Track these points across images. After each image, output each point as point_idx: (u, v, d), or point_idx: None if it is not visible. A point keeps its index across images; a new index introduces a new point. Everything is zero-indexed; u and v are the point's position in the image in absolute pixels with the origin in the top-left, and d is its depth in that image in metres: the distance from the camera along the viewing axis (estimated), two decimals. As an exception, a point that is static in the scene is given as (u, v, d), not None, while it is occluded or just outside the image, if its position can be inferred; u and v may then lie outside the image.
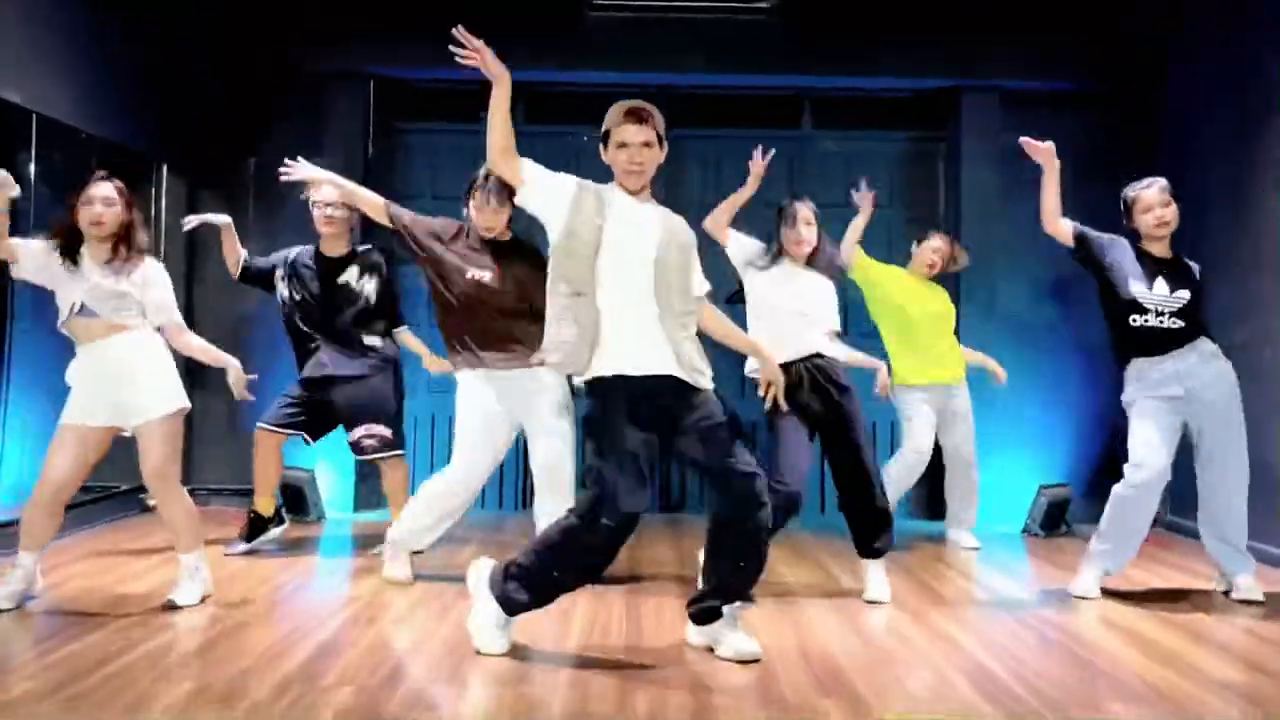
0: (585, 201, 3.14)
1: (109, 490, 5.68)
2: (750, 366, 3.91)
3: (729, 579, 3.23)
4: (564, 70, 6.07)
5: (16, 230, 5.43)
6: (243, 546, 4.73)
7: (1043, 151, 4.10)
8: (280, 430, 4.73)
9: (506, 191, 3.89)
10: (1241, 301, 5.16)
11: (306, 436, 4.84)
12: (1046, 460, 5.92)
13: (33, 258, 3.69)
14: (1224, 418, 4.03)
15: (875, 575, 4.00)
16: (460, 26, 3.09)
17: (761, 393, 3.40)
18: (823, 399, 3.98)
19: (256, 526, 4.78)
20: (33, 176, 5.07)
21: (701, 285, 3.31)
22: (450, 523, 4.16)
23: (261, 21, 6.01)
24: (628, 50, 6.01)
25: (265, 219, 6.02)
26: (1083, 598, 4.08)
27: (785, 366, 3.81)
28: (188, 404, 3.81)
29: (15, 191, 3.62)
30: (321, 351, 4.70)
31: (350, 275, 4.73)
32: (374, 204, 4.21)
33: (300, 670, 2.99)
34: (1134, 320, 4.05)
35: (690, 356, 3.12)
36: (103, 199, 3.65)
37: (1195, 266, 4.19)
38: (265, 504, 4.79)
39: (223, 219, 4.71)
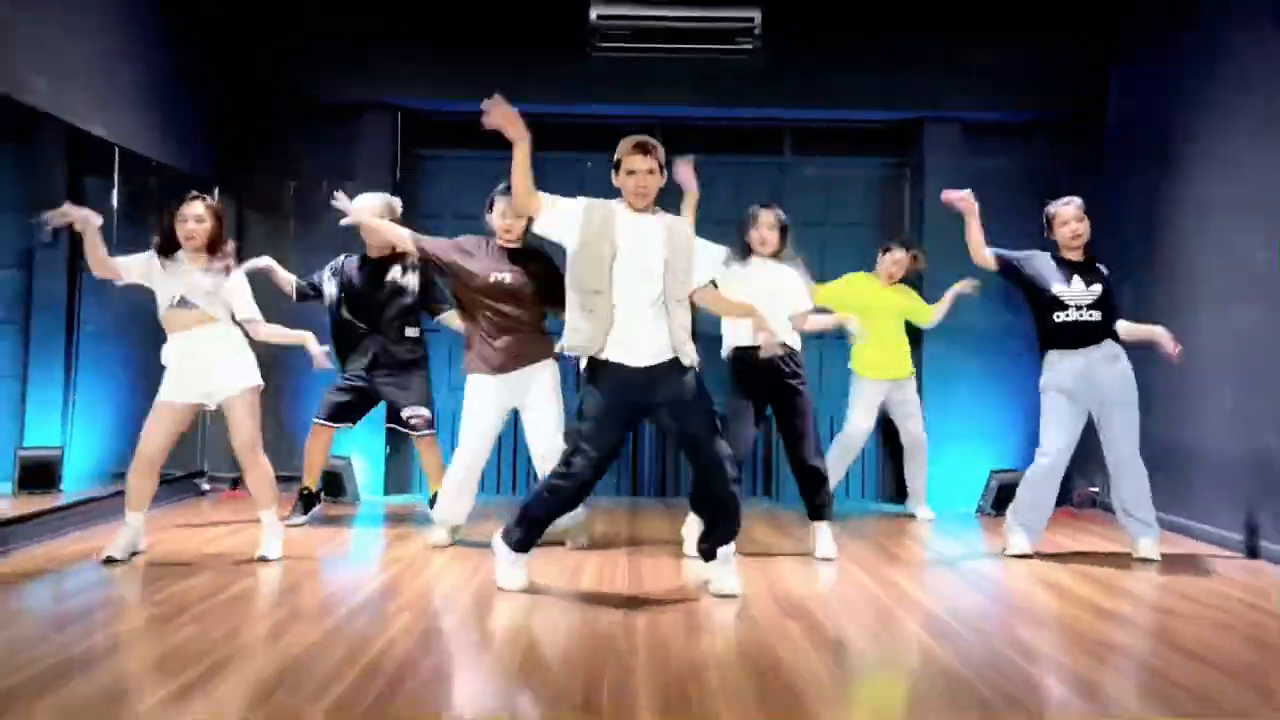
0: (594, 216, 3.86)
1: (164, 477, 6.34)
2: (726, 348, 4.76)
3: (710, 531, 3.98)
4: (569, 103, 6.74)
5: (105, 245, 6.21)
6: (302, 518, 5.47)
7: (960, 201, 4.89)
8: (333, 424, 5.50)
9: None
10: (1161, 304, 5.88)
11: (350, 424, 5.58)
12: (999, 448, 6.62)
13: (134, 269, 4.46)
14: (1122, 409, 4.77)
15: (822, 535, 4.73)
16: (498, 94, 3.78)
17: (761, 344, 4.09)
18: (779, 386, 4.69)
19: (310, 501, 5.52)
20: (115, 200, 5.79)
21: (703, 276, 4.02)
22: (470, 496, 4.89)
23: (300, 56, 6.68)
24: (627, 85, 6.68)
25: (304, 235, 6.70)
26: (1017, 555, 4.80)
27: (748, 350, 4.53)
28: (262, 382, 4.54)
29: (99, 220, 4.34)
30: (369, 342, 5.44)
31: (395, 273, 5.48)
32: (401, 238, 4.94)
33: (365, 602, 3.70)
34: (1057, 317, 4.80)
35: (680, 339, 3.85)
36: (194, 216, 4.42)
37: (1103, 268, 4.94)
38: (313, 480, 5.55)
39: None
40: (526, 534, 3.95)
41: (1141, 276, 6.11)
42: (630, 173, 3.86)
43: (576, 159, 6.86)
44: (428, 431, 5.47)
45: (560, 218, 3.89)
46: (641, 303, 3.81)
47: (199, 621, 3.38)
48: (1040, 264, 4.91)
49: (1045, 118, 6.83)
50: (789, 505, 6.23)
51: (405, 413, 5.45)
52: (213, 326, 4.44)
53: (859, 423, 6.06)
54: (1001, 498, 6.26)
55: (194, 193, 4.54)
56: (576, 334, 3.86)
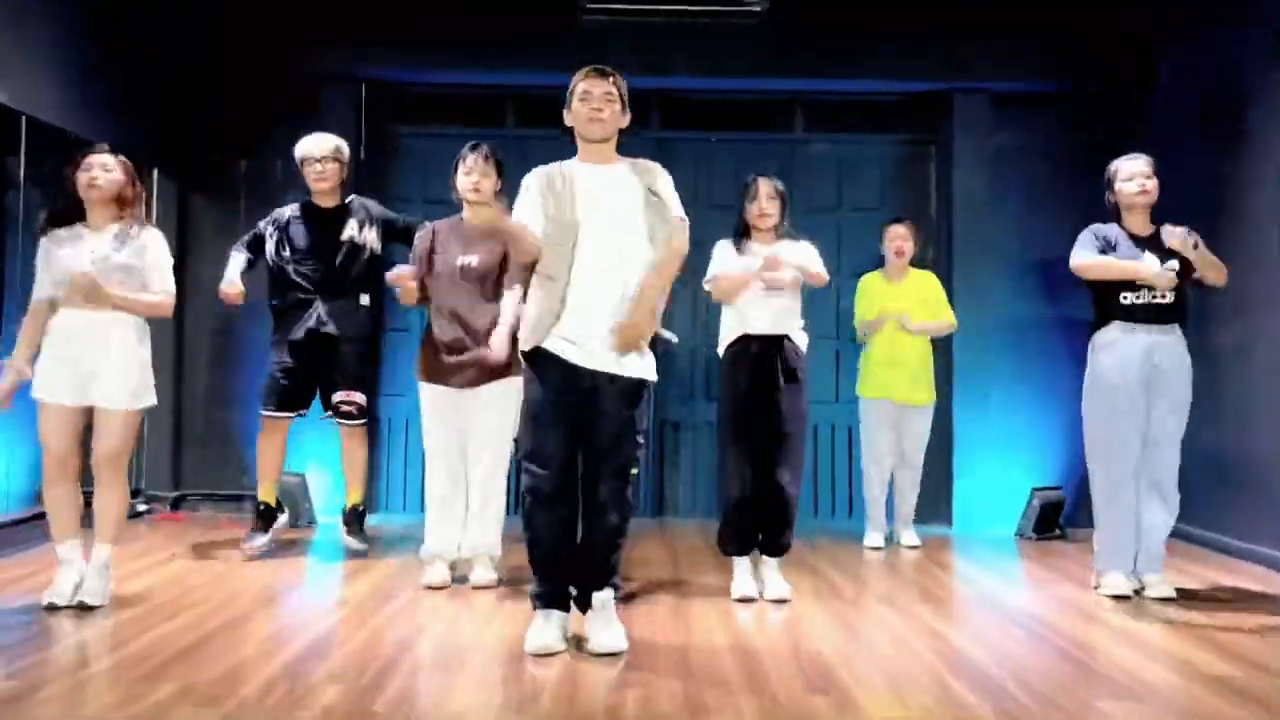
0: (553, 188, 3.23)
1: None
2: (722, 343, 4.12)
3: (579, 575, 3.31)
4: (556, 74, 6.01)
5: (6, 233, 5.49)
6: (263, 539, 4.70)
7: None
8: (285, 415, 4.72)
9: (495, 159, 4.18)
10: (1219, 294, 5.16)
11: (302, 411, 4.82)
12: (1039, 462, 5.90)
13: (44, 285, 3.68)
14: (1175, 405, 4.08)
15: (771, 573, 4.05)
16: None
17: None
18: (770, 386, 3.99)
19: (268, 517, 4.76)
20: (22, 179, 5.07)
21: (668, 222, 3.27)
22: (455, 518, 4.17)
23: (253, 24, 5.99)
24: (620, 54, 5.96)
25: (256, 220, 5.99)
26: (1114, 596, 4.08)
27: (752, 339, 4.01)
28: (155, 402, 3.80)
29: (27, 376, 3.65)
30: (319, 308, 4.68)
31: (351, 229, 4.75)
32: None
33: (287, 669, 2.96)
34: (1124, 298, 4.08)
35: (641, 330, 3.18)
36: (100, 164, 3.68)
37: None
38: (269, 492, 4.78)
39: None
40: (540, 584, 3.26)
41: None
42: (584, 97, 3.30)
43: (562, 136, 6.12)
44: (358, 421, 4.72)
45: (533, 212, 3.25)
46: (597, 282, 3.15)
47: (62, 700, 2.64)
48: (1112, 238, 4.17)
49: (1084, 89, 6.14)
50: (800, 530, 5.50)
51: (336, 396, 4.70)
52: (113, 314, 3.65)
53: (875, 451, 5.37)
54: (1044, 519, 5.56)
55: (104, 145, 3.79)
56: (526, 323, 3.23)
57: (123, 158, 3.78)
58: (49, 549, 3.80)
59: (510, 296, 4.00)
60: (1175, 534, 5.35)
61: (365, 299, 4.79)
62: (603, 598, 3.25)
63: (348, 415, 4.71)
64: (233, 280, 4.64)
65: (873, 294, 5.43)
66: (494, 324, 4.01)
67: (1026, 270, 6.11)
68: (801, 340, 4.12)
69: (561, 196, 3.21)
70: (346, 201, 4.85)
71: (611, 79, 3.33)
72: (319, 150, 4.75)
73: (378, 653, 3.17)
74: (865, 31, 6.01)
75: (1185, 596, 4.13)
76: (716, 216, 6.00)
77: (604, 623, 3.22)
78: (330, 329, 4.66)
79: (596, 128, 3.28)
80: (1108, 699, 2.85)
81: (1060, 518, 5.64)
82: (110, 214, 3.71)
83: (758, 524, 4.02)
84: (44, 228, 3.73)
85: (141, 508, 5.78)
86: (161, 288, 3.77)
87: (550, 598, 3.23)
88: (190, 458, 6.05)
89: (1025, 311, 6.11)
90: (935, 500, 5.88)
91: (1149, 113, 6.06)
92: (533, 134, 6.15)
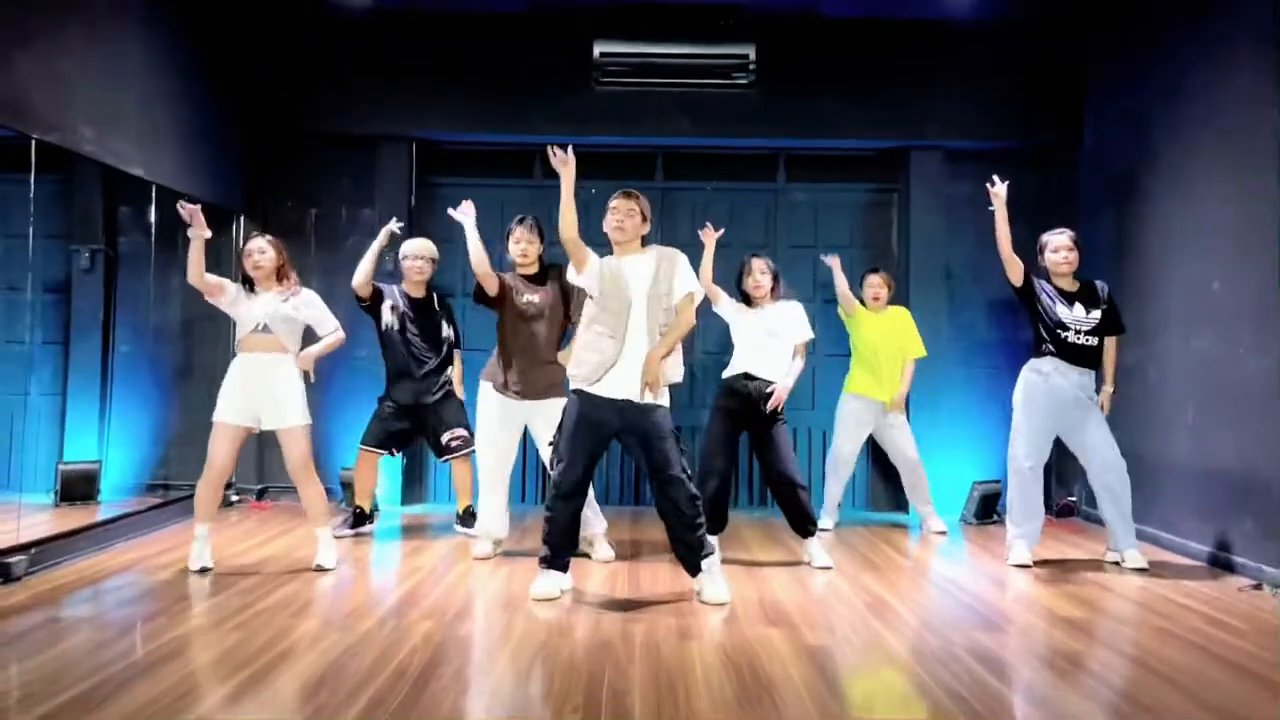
0: (607, 271, 4.40)
1: (191, 489, 6.72)
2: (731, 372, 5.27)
3: (681, 551, 4.43)
4: (573, 134, 7.08)
5: (120, 273, 6.61)
6: (349, 531, 5.91)
7: (997, 197, 5.16)
8: (378, 451, 5.96)
9: (539, 228, 5.32)
10: (1130, 328, 6.24)
11: (394, 450, 6.07)
12: (981, 458, 6.99)
13: (228, 291, 4.94)
14: (1097, 419, 5.23)
15: (815, 548, 5.17)
16: (570, 148, 4.41)
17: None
18: (758, 420, 5.17)
19: (360, 519, 5.99)
20: (153, 230, 6.20)
21: (683, 289, 4.40)
22: (498, 504, 5.29)
23: (320, 93, 7.08)
24: (628, 117, 7.07)
25: (324, 259, 7.10)
26: (1020, 565, 5.21)
27: (748, 378, 5.17)
28: (310, 420, 5.00)
29: (208, 235, 4.88)
30: (418, 381, 5.87)
31: (448, 331, 6.01)
32: (483, 260, 5.19)
33: (391, 611, 4.09)
34: (1062, 335, 5.20)
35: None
36: (258, 249, 4.96)
37: (1102, 286, 5.31)
38: (365, 503, 6.00)
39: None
40: (551, 552, 4.42)
41: (1119, 300, 6.45)
42: (612, 212, 4.45)
43: (580, 186, 7.15)
44: (465, 451, 5.90)
45: (593, 274, 4.41)
46: (641, 342, 4.32)
47: (243, 629, 3.77)
48: (1045, 289, 5.28)
49: (1023, 147, 7.18)
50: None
51: (445, 436, 5.89)
52: (281, 356, 4.89)
53: (842, 445, 6.46)
54: (983, 507, 6.64)
55: (254, 231, 5.14)
56: (581, 366, 4.34)
57: (271, 237, 5.01)
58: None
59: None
60: (1086, 517, 6.51)
61: (449, 370, 6.03)
62: (708, 563, 4.37)
63: (458, 448, 5.92)
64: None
65: (859, 318, 6.47)
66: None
67: (974, 299, 7.19)
68: (789, 377, 5.24)
69: (617, 279, 4.35)
70: (437, 297, 6.03)
71: (635, 199, 4.45)
72: (425, 252, 5.92)
73: (451, 601, 4.32)
74: (836, 97, 7.04)
75: (1070, 564, 5.24)
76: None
77: (710, 581, 4.35)
78: (430, 399, 5.89)
79: (616, 234, 4.43)
80: (981, 631, 3.97)
81: (998, 506, 6.71)
82: (271, 282, 4.95)
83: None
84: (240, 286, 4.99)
85: (234, 498, 6.89)
86: (334, 328, 5.06)
87: (553, 562, 4.40)
88: (271, 456, 7.06)
89: (973, 331, 7.20)
90: (895, 491, 6.97)
91: (1076, 167, 7.14)
92: (556, 185, 7.19)
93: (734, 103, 7.04)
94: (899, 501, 6.96)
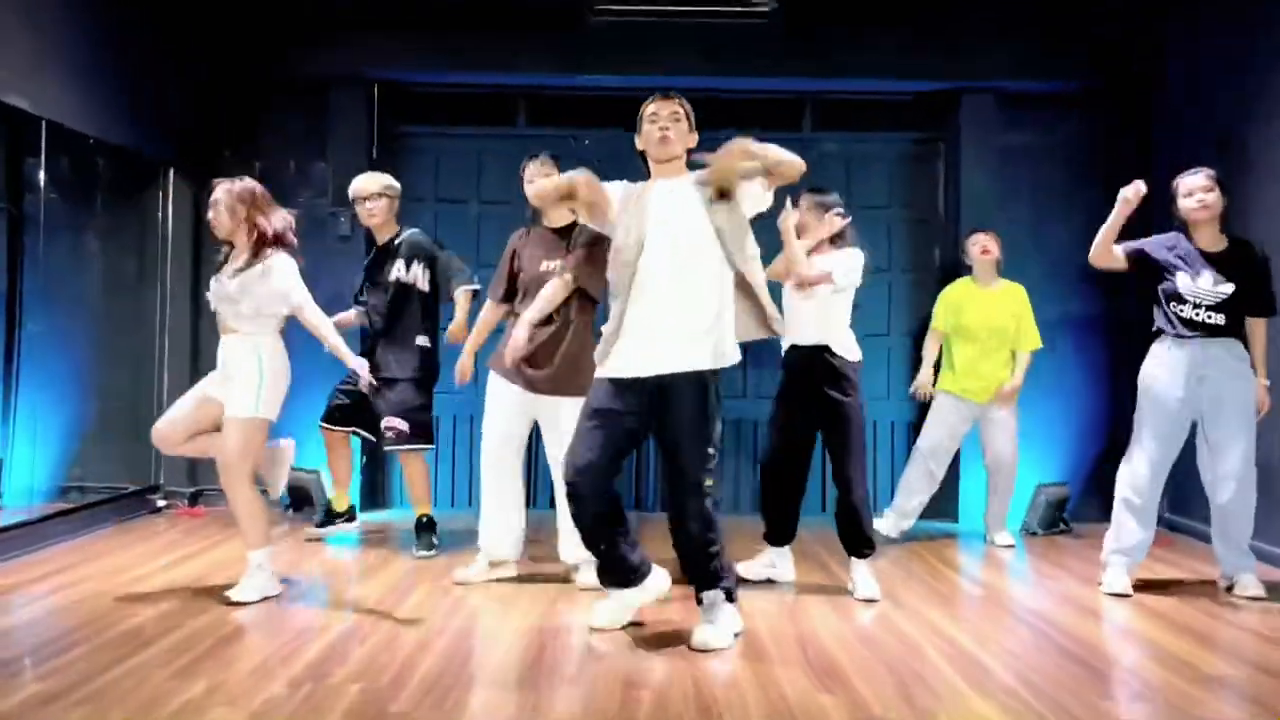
0: (629, 199, 3.38)
1: (117, 492, 5.76)
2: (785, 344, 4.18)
3: (688, 572, 3.48)
4: (565, 74, 6.10)
5: (26, 236, 5.57)
6: (317, 530, 5.00)
7: (1126, 203, 4.06)
8: (334, 428, 4.88)
9: (552, 159, 4.19)
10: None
11: (367, 434, 4.98)
12: (1045, 459, 5.95)
13: None
14: (1231, 418, 4.09)
15: (859, 573, 4.11)
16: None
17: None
18: (822, 398, 4.06)
19: (330, 517, 5.05)
20: (42, 182, 5.15)
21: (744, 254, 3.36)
22: (506, 520, 4.26)
23: (264, 26, 6.04)
24: (629, 54, 6.03)
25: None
26: (1117, 595, 4.16)
27: (793, 349, 4.13)
28: (267, 416, 3.88)
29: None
30: (379, 351, 4.80)
31: (398, 269, 4.81)
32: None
33: (314, 664, 3.05)
34: (1178, 309, 4.13)
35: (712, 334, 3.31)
36: (210, 204, 3.89)
37: (1260, 249, 4.19)
38: (337, 495, 5.05)
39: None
40: (602, 566, 3.50)
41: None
42: (652, 119, 3.43)
43: (571, 135, 6.20)
44: (398, 447, 4.80)
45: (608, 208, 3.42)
46: (656, 301, 3.27)
47: (94, 700, 2.73)
48: (1175, 250, 4.20)
49: (1092, 89, 6.15)
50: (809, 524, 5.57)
51: (383, 422, 4.79)
52: (235, 338, 3.90)
53: (923, 441, 5.43)
54: (1050, 514, 5.62)
55: (216, 180, 3.97)
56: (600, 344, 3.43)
57: (230, 186, 3.92)
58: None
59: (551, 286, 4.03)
60: (1171, 526, 5.49)
61: (422, 339, 4.83)
62: (709, 597, 3.37)
63: (385, 440, 4.78)
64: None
65: (956, 301, 5.42)
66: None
67: (1035, 268, 6.12)
68: (845, 349, 4.14)
69: (635, 211, 3.34)
70: (395, 238, 4.88)
71: (677, 99, 3.45)
72: (365, 189, 4.85)
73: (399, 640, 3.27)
74: (873, 31, 6.01)
75: (1173, 589, 4.20)
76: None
77: (706, 622, 3.37)
78: (385, 373, 4.73)
79: (660, 149, 3.39)
80: (1106, 699, 2.93)
81: (1065, 512, 5.69)
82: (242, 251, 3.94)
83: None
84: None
85: (161, 503, 5.88)
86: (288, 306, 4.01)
87: (612, 578, 3.49)
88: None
89: (1033, 309, 6.14)
90: (944, 496, 5.92)
91: (1155, 113, 6.09)
92: (540, 133, 6.22)
93: (752, 36, 5.98)
94: (941, 507, 5.86)
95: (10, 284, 5.84)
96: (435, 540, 4.79)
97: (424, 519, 4.82)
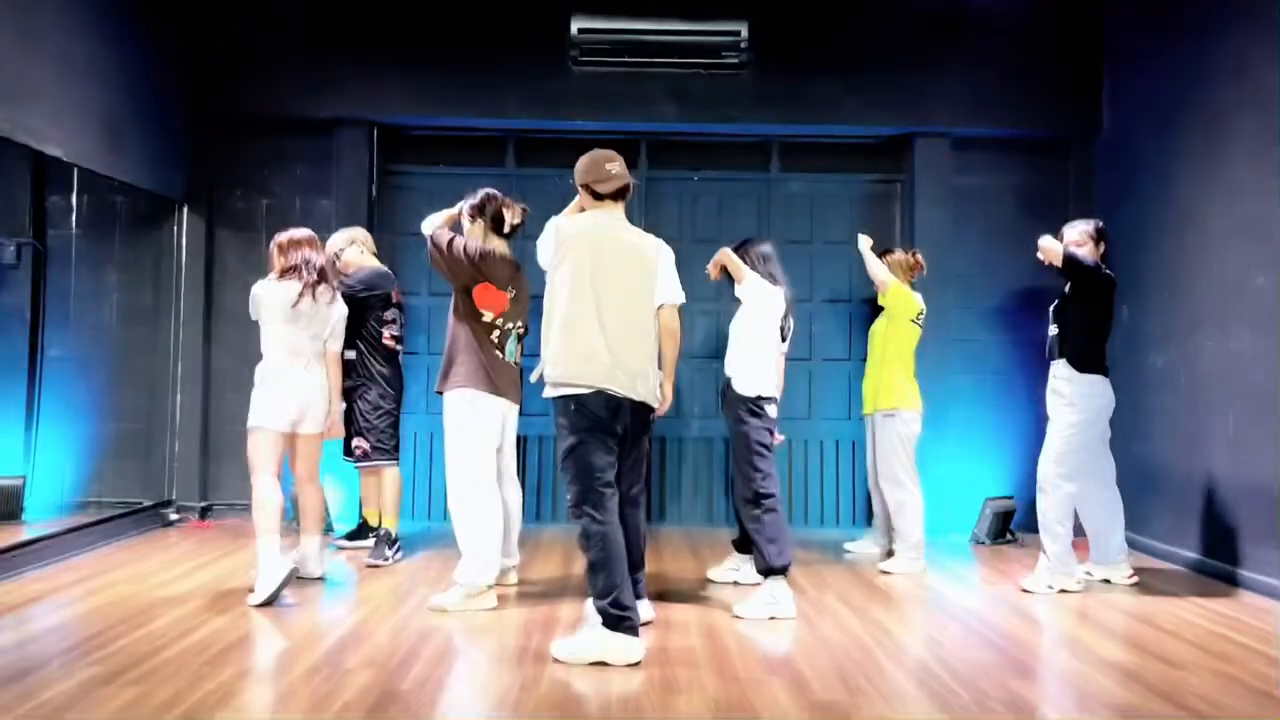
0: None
1: (131, 507, 6.15)
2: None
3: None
4: (551, 119, 6.55)
5: (50, 268, 6.01)
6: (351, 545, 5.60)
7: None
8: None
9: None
10: (1158, 327, 5.74)
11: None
12: (992, 473, 6.43)
13: None
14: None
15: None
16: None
17: None
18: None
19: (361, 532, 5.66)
20: (74, 221, 5.59)
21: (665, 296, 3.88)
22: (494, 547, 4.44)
23: (272, 74, 6.45)
24: (609, 100, 6.48)
25: (277, 255, 6.50)
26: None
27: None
28: (255, 423, 4.52)
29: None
30: None
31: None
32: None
33: (323, 658, 3.49)
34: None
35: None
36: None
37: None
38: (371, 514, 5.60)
39: None
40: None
41: (1138, 298, 5.94)
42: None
43: (557, 175, 6.65)
44: (364, 464, 5.38)
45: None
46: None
47: (142, 682, 3.17)
48: None
49: (1037, 134, 6.68)
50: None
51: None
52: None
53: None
54: (997, 526, 6.09)
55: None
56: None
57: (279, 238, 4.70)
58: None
59: None
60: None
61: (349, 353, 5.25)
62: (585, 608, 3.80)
63: (354, 458, 5.41)
64: None
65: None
66: None
67: (984, 297, 6.64)
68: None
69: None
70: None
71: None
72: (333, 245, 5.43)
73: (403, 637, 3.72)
74: (835, 79, 6.47)
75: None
76: (700, 251, 6.59)
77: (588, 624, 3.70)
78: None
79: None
80: (1017, 679, 3.40)
81: (1012, 525, 6.16)
82: None
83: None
84: None
85: (173, 517, 6.28)
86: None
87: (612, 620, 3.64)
88: (215, 471, 6.49)
89: (983, 334, 6.64)
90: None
91: (1094, 156, 6.61)
92: (529, 174, 6.68)
93: (724, 85, 6.49)
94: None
95: (34, 313, 6.29)
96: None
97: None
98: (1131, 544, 5.73)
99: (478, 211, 4.52)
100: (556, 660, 3.46)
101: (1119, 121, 6.39)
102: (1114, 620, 4.27)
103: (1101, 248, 4.89)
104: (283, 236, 4.64)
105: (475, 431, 4.31)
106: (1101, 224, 4.99)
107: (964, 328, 6.59)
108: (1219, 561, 5.10)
